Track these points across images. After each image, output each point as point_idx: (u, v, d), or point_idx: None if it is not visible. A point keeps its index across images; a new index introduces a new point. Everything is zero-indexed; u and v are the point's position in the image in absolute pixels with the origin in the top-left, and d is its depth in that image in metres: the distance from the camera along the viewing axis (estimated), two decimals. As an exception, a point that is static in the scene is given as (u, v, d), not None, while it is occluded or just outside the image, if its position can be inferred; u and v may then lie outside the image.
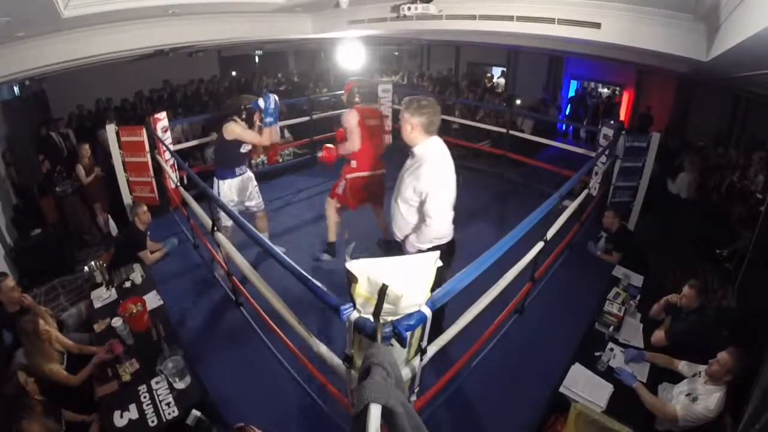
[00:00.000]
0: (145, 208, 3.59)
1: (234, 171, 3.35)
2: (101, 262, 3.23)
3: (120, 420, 2.01)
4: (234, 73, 10.33)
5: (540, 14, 3.13)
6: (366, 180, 3.29)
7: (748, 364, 1.93)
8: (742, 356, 1.94)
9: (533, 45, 4.84)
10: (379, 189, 3.42)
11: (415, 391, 1.60)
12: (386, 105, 6.09)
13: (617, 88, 8.58)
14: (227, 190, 3.35)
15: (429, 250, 2.03)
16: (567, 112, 8.94)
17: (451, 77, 9.87)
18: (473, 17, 3.50)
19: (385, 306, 1.17)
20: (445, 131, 6.22)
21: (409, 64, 11.66)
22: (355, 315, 1.24)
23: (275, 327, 2.39)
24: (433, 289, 1.31)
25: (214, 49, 8.41)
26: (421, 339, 1.42)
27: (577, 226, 3.62)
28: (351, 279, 1.18)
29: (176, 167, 4.23)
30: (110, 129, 4.03)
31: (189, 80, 9.05)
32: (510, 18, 3.29)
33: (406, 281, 1.18)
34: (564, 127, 8.54)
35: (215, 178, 3.36)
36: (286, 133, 6.85)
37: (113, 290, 3.00)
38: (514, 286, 2.32)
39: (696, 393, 2.00)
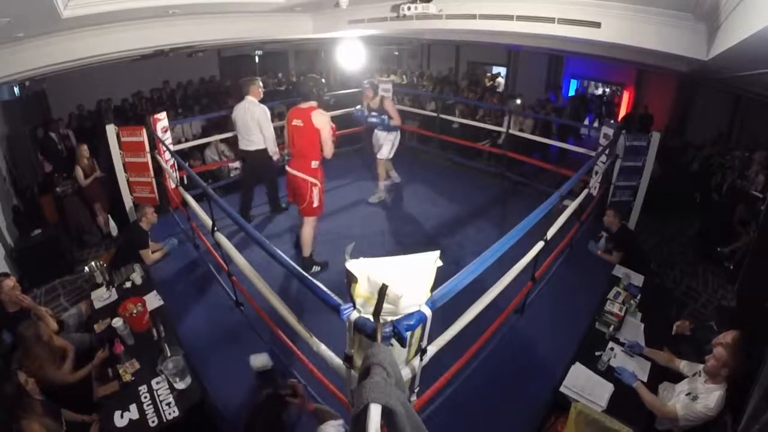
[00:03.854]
0: (153, 209, 3.62)
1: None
2: (101, 263, 3.23)
3: (120, 420, 2.01)
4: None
5: (540, 13, 3.12)
6: (288, 176, 3.30)
7: (744, 358, 1.93)
8: (737, 349, 1.93)
9: (533, 44, 4.83)
10: (297, 192, 3.26)
11: (415, 391, 1.59)
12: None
13: (617, 88, 8.57)
14: None
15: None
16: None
17: (451, 77, 9.86)
18: (473, 17, 3.49)
19: (385, 306, 1.16)
20: (445, 131, 6.32)
21: (409, 64, 11.64)
22: (355, 315, 1.24)
23: (275, 327, 2.39)
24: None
25: (214, 49, 8.40)
26: (421, 339, 1.42)
27: (577, 225, 3.61)
28: (351, 279, 1.18)
29: (176, 167, 4.24)
30: (110, 129, 4.04)
31: (188, 80, 9.05)
32: (510, 17, 3.28)
33: (406, 281, 1.17)
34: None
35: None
36: (286, 133, 6.83)
37: (113, 290, 3.01)
38: (514, 286, 2.31)
39: (696, 392, 2.00)
